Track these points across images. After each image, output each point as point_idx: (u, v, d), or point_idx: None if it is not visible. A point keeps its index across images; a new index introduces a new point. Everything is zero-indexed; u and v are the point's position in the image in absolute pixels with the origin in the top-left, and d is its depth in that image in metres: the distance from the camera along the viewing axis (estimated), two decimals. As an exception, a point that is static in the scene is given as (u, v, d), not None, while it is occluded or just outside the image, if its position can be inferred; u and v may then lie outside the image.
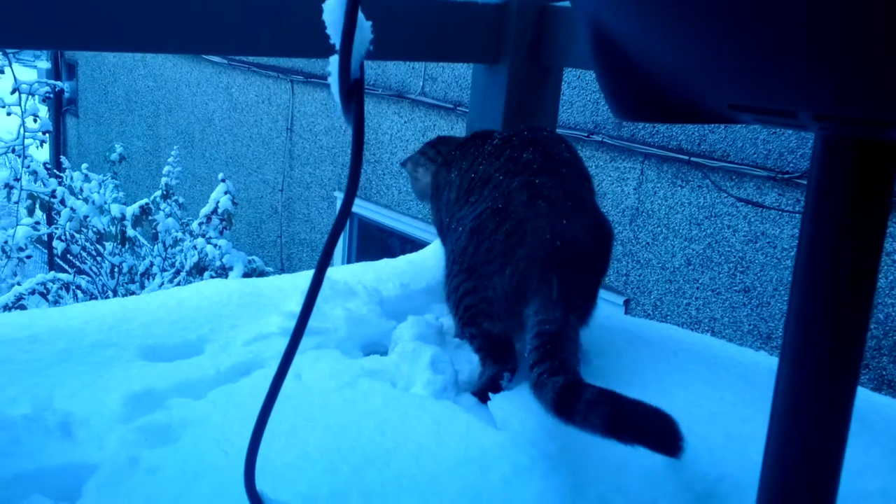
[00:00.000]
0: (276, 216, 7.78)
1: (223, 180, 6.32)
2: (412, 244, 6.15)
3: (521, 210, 1.50)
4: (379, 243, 6.90)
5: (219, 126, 8.34)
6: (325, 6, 0.81)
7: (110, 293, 6.46)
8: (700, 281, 4.43)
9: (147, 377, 1.47)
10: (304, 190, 7.40)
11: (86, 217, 6.31)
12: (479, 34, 2.06)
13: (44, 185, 6.41)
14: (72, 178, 6.71)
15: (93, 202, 6.36)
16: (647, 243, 4.64)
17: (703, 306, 4.43)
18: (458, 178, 1.74)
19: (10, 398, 1.36)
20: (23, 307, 6.01)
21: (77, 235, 6.51)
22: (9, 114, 6.37)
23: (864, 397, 1.48)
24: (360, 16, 0.80)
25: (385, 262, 2.10)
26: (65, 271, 6.71)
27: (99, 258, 6.65)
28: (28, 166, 6.36)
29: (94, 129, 10.70)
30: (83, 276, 6.56)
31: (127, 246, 6.38)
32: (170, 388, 1.45)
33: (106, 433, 1.28)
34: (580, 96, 4.89)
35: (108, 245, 6.50)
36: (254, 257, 6.60)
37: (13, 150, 6.29)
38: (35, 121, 6.41)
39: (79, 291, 6.41)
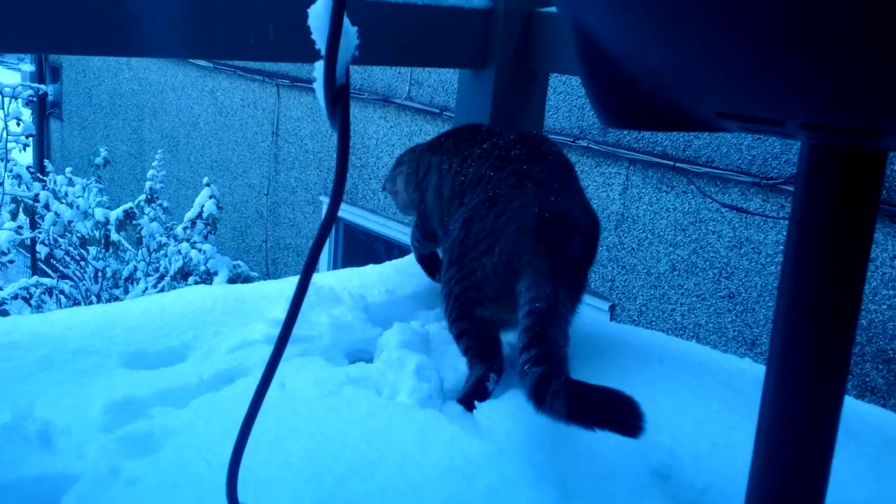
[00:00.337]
0: (262, 220, 7.75)
1: (208, 184, 6.29)
2: (398, 249, 6.14)
3: (509, 192, 1.56)
4: (365, 248, 6.88)
5: (204, 130, 8.30)
6: (310, 11, 0.80)
7: (94, 298, 6.41)
8: (685, 287, 4.44)
9: (129, 385, 1.45)
10: (290, 194, 7.37)
11: (70, 221, 6.27)
12: (466, 39, 2.05)
13: (27, 188, 6.36)
14: (55, 182, 6.67)
15: (77, 206, 6.32)
16: (633, 249, 4.65)
17: (687, 312, 4.44)
18: (449, 176, 1.77)
19: (-11, 406, 1.34)
20: (5, 312, 5.96)
21: (61, 240, 6.47)
22: (-9, 117, 6.33)
23: (849, 405, 1.48)
24: (346, 21, 0.79)
25: (371, 268, 2.09)
26: (48, 276, 6.66)
27: (83, 263, 6.61)
28: (11, 170, 6.31)
29: (78, 133, 10.63)
30: (66, 281, 6.52)
31: (111, 250, 6.34)
32: (152, 396, 1.44)
33: (86, 443, 1.26)
34: (566, 102, 4.89)
35: (92, 249, 6.46)
36: (239, 262, 6.57)
37: (-4, 154, 6.25)
38: (18, 124, 6.36)
39: (62, 296, 6.37)
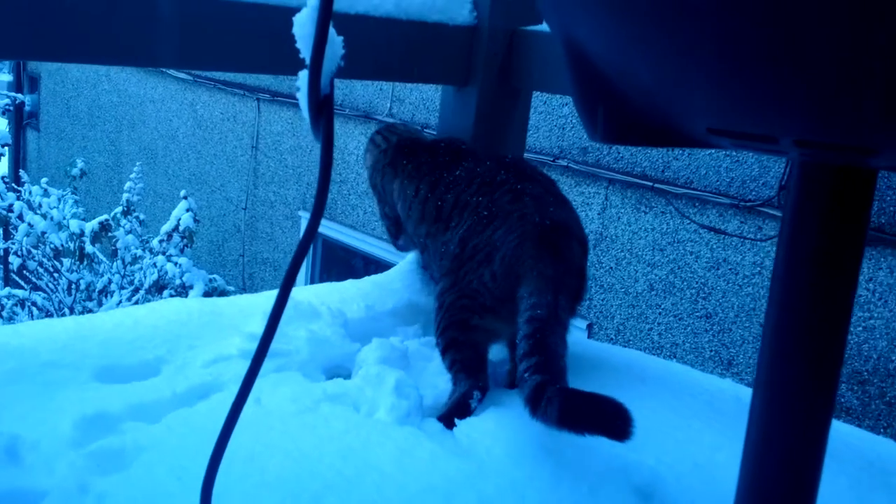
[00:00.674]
0: (239, 235, 7.70)
1: (185, 197, 6.24)
2: (376, 265, 6.11)
3: (507, 207, 1.59)
4: (343, 264, 6.85)
5: (183, 143, 8.25)
6: (295, 20, 0.78)
7: (67, 310, 6.32)
8: (662, 306, 4.45)
9: (100, 399, 1.42)
10: (268, 209, 7.33)
11: (43, 232, 6.19)
12: (450, 56, 2.05)
13: (1, 199, 6.28)
14: (30, 193, 6.59)
15: (51, 218, 6.24)
16: (611, 268, 4.66)
17: (665, 331, 4.45)
18: (417, 202, 1.80)
19: (-46, 420, 1.30)
20: (-25, 324, 5.85)
21: (34, 251, 6.39)
22: (-33, 126, 6.26)
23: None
24: (332, 30, 0.78)
25: (350, 283, 2.06)
26: (20, 287, 6.56)
27: (56, 274, 6.52)
28: (-15, 180, 6.23)
29: (55, 144, 10.53)
30: (39, 293, 6.43)
31: (85, 262, 6.26)
32: (124, 411, 1.40)
33: (55, 458, 1.23)
34: (546, 121, 4.91)
35: (66, 261, 6.37)
36: (215, 276, 6.51)
37: (-30, 163, 6.17)
38: (-7, 133, 6.29)
39: (34, 308, 6.28)
